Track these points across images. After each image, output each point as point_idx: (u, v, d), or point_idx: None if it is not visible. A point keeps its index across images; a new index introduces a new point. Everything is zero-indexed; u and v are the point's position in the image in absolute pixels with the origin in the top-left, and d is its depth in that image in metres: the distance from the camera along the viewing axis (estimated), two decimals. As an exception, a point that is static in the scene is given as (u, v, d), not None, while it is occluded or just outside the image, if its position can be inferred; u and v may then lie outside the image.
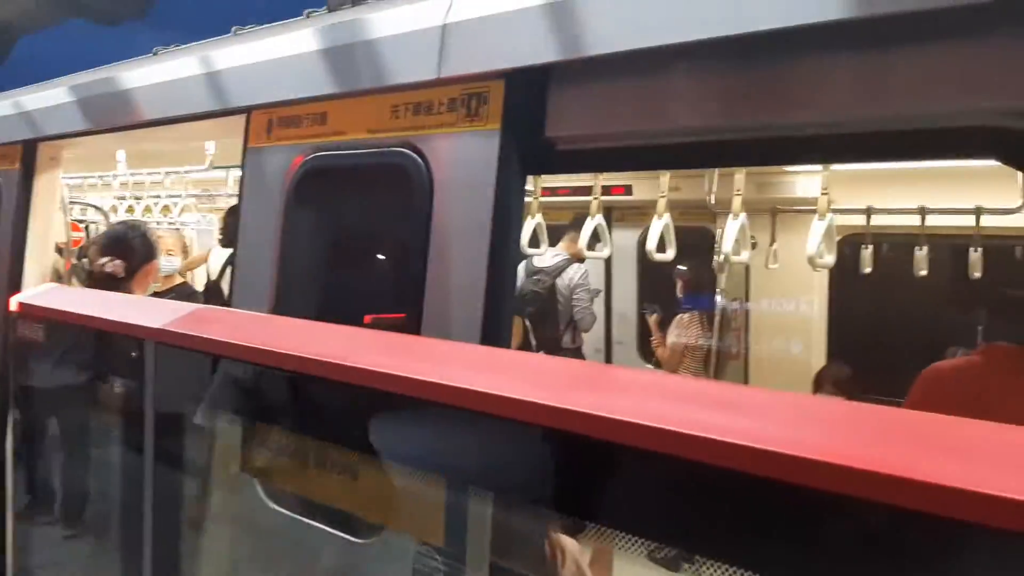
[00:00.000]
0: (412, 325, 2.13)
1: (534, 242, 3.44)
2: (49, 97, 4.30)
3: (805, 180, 4.74)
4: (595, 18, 1.85)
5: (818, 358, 4.93)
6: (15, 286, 4.06)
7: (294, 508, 2.09)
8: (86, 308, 2.13)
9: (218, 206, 8.59)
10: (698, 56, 1.76)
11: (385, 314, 2.19)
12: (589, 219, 3.25)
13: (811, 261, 3.17)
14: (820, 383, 4.22)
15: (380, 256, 2.45)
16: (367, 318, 2.11)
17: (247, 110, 2.75)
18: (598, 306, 6.48)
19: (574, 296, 5.64)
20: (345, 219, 2.60)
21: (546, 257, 5.70)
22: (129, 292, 3.85)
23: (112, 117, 3.77)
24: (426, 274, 2.15)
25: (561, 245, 5.63)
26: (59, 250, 5.85)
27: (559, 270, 5.65)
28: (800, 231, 5.11)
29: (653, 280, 6.50)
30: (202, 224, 8.52)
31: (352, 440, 1.62)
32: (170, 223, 8.38)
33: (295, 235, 2.54)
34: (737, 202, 3.04)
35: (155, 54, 3.76)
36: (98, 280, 4.03)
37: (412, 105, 2.23)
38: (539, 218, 3.41)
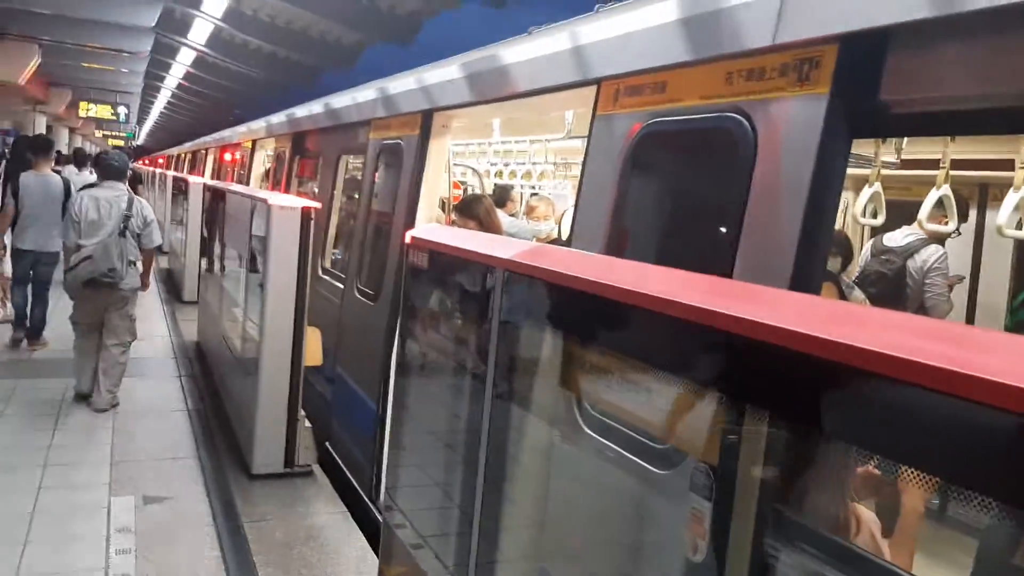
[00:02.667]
0: None
1: (869, 213, 3.27)
2: (442, 74, 5.11)
3: None
4: None
5: None
6: (410, 228, 4.95)
7: (603, 433, 2.33)
8: (457, 242, 2.64)
9: (573, 173, 9.32)
10: None
11: None
12: (934, 190, 3.01)
13: None
14: None
15: (699, 220, 2.57)
16: None
17: (598, 81, 3.06)
18: (960, 294, 5.84)
19: (927, 280, 5.15)
20: (672, 183, 2.77)
21: (897, 236, 5.30)
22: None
23: (490, 90, 4.39)
24: (739, 241, 2.24)
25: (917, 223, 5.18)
26: (442, 204, 6.92)
27: (911, 251, 5.20)
28: None
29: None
30: (558, 189, 9.29)
31: (660, 367, 1.75)
32: (531, 187, 9.32)
33: (627, 197, 2.79)
34: None
35: (529, 33, 4.27)
36: None
37: (745, 71, 2.31)
38: (877, 187, 3.22)
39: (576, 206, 3.17)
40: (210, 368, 8.00)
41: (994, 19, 1.71)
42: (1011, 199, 2.68)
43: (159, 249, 7.92)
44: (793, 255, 2.06)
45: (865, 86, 2.00)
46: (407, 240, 2.86)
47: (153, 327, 9.96)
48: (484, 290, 2.34)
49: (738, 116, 2.31)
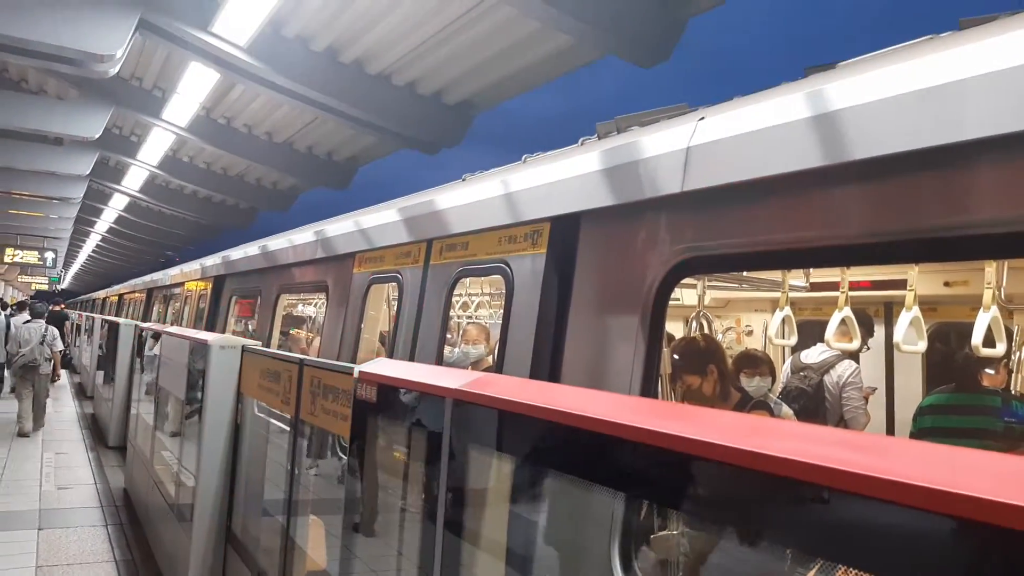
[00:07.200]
0: None
1: (782, 334, 3.59)
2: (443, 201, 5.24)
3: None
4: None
5: None
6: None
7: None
8: (404, 374, 2.79)
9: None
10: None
11: None
12: (836, 311, 3.36)
13: None
14: None
15: (490, 329, 3.57)
16: None
17: (429, 240, 4.11)
18: (878, 407, 6.16)
19: (843, 394, 5.48)
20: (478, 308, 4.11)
21: (813, 353, 5.65)
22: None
23: (417, 232, 4.63)
24: (506, 342, 3.39)
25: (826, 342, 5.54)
26: (382, 338, 7.03)
27: (827, 366, 5.55)
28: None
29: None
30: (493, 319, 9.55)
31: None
32: (467, 317, 9.55)
33: (448, 318, 4.25)
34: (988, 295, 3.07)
35: (464, 180, 4.61)
36: None
37: (507, 237, 3.53)
38: (787, 311, 3.57)
39: (418, 324, 4.33)
40: (139, 516, 7.66)
41: (631, 209, 2.74)
42: (904, 318, 3.03)
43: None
44: (531, 350, 3.19)
45: (566, 247, 3.13)
46: (354, 374, 2.99)
47: (77, 474, 9.53)
48: (430, 416, 2.47)
49: (504, 265, 3.53)
